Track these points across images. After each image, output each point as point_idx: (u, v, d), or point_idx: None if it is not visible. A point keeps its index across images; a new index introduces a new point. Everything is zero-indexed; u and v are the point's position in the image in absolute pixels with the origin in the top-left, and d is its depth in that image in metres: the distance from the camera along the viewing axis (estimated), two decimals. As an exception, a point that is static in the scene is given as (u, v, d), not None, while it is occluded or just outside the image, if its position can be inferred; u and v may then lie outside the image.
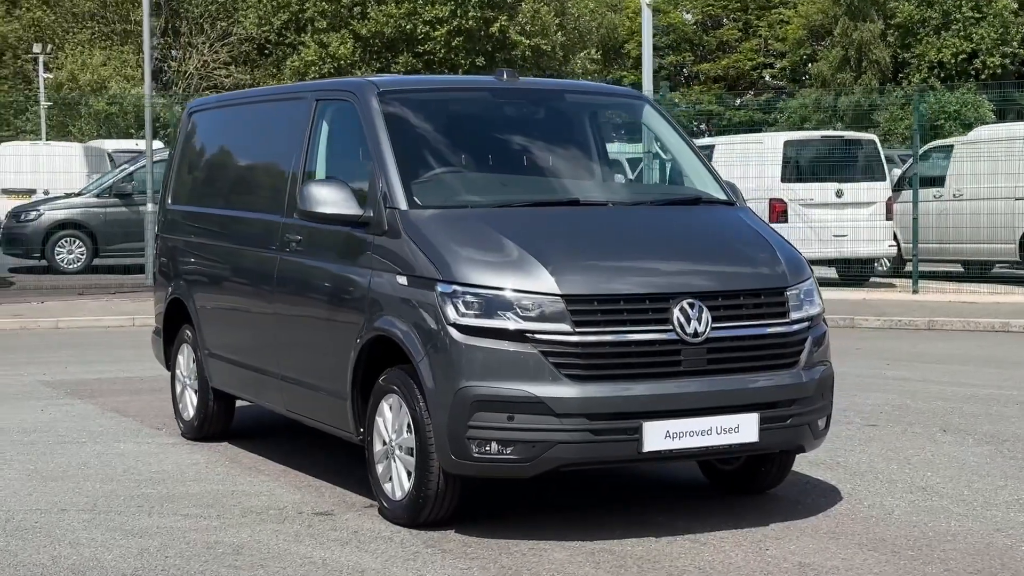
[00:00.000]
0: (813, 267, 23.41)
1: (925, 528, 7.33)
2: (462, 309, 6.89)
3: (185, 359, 9.97)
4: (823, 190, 21.50)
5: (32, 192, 28.52)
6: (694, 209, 8.12)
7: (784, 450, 7.54)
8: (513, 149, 8.21)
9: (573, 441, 6.78)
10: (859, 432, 10.06)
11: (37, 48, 49.33)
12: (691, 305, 6.98)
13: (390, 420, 7.38)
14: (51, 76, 50.11)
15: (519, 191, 7.84)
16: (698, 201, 8.18)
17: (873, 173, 21.91)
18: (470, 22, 48.08)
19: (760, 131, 34.34)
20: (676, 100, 57.57)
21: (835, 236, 21.37)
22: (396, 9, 48.05)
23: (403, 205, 7.40)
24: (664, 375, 6.94)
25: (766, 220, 21.12)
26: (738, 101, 61.37)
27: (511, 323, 6.81)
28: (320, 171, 8.33)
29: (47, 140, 41.86)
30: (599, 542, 7.01)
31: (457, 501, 7.23)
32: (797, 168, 21.90)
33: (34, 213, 24.35)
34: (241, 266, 9.07)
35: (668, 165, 8.64)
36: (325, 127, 8.37)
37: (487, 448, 6.82)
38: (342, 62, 48.04)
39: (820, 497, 8.03)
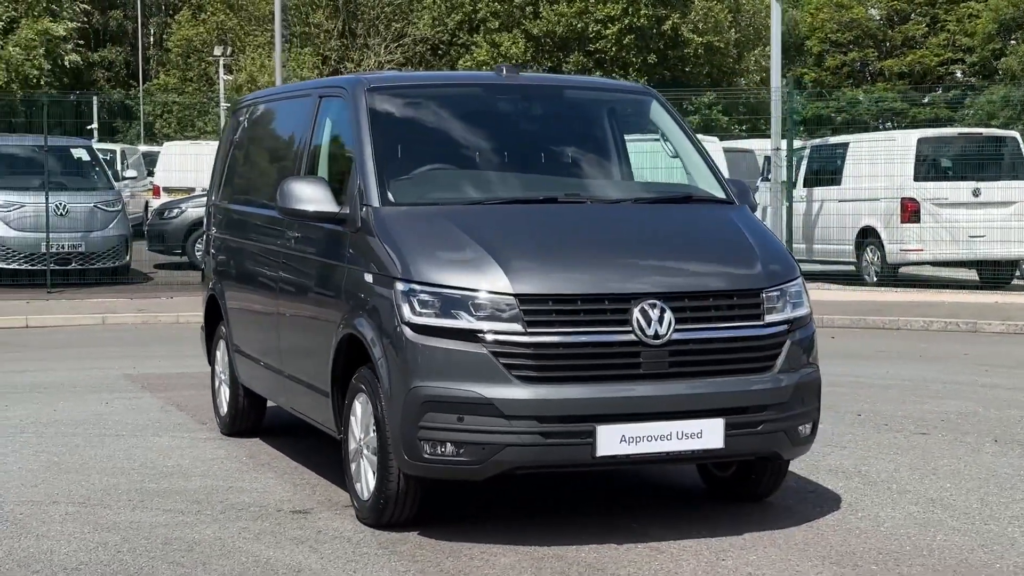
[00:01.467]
0: (947, 267, 22.40)
1: (905, 541, 6.97)
2: (417, 308, 6.78)
3: (221, 355, 10.06)
4: (958, 189, 20.76)
5: (191, 190, 29.14)
6: (680, 207, 7.84)
7: (761, 457, 7.26)
8: (502, 146, 8.02)
9: (523, 444, 6.61)
10: (904, 440, 9.65)
11: (218, 51, 50.53)
12: (652, 306, 6.75)
13: (360, 419, 7.32)
14: (231, 78, 51.26)
15: (498, 188, 7.67)
16: (688, 199, 7.91)
17: (1015, 171, 21.08)
18: (642, 20, 47.78)
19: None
20: (859, 97, 56.32)
21: (971, 237, 20.61)
22: (568, 8, 48.02)
23: (376, 202, 7.33)
24: (621, 378, 6.72)
25: (898, 219, 20.66)
26: (925, 98, 59.69)
27: (464, 323, 6.69)
28: (322, 168, 8.30)
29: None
30: (556, 547, 6.83)
31: (418, 504, 7.11)
32: (933, 166, 21.20)
33: (176, 210, 24.93)
34: (256, 263, 9.10)
35: (672, 162, 8.34)
36: (326, 124, 8.34)
37: (440, 449, 6.71)
38: (514, 61, 48.20)
39: (815, 506, 7.70)
